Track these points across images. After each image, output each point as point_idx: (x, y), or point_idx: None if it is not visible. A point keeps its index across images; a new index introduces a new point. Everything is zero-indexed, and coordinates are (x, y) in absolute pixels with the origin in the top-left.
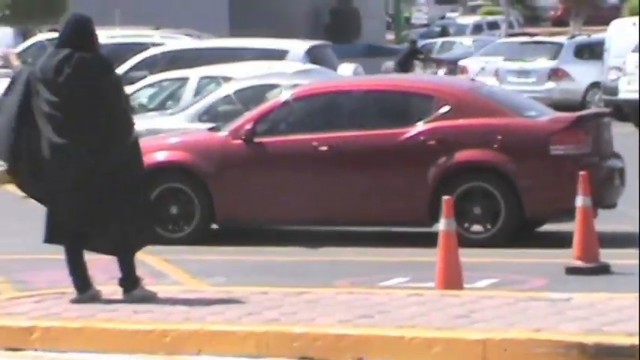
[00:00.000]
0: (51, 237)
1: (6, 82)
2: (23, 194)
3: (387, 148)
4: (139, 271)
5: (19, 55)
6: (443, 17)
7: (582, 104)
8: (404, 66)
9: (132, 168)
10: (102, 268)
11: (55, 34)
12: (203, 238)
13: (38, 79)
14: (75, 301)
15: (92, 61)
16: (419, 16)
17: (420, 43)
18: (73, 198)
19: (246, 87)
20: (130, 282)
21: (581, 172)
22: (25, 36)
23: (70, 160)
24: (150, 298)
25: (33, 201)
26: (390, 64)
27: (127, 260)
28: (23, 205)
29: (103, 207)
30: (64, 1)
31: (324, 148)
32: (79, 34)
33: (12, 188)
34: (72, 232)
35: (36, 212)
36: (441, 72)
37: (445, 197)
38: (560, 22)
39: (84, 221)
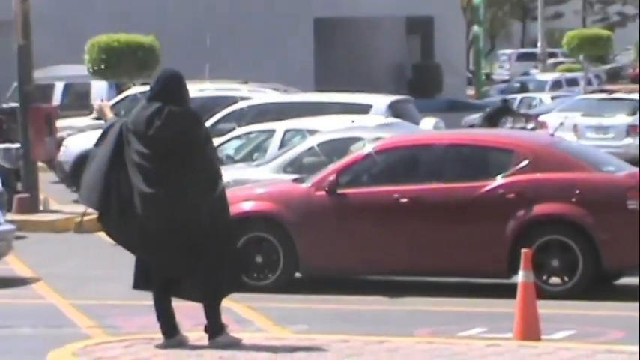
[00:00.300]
0: (139, 283)
1: (99, 132)
2: (112, 241)
3: (466, 201)
4: (225, 318)
5: (113, 107)
6: (525, 73)
7: None
8: (492, 121)
9: (219, 218)
10: (188, 314)
11: (147, 88)
12: (287, 286)
13: (130, 130)
14: (162, 347)
15: (182, 115)
16: (501, 72)
17: (499, 98)
18: (163, 246)
19: (330, 140)
20: (215, 328)
21: None
22: (118, 89)
23: (160, 210)
24: (234, 345)
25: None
26: (470, 118)
27: (213, 307)
28: (115, 252)
29: (192, 255)
30: (156, 56)
31: (405, 200)
32: (169, 89)
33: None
34: (160, 279)
35: (127, 259)
36: (530, 127)
37: (524, 250)
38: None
39: (172, 269)
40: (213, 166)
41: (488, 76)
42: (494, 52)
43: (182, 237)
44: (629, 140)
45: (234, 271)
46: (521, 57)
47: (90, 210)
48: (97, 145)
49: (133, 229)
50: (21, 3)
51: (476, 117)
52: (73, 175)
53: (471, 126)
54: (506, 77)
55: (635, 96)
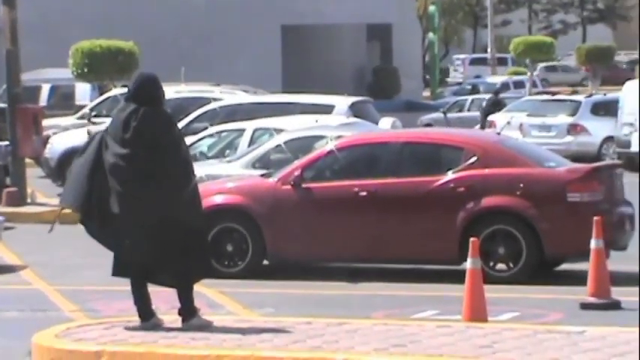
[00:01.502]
0: (118, 271)
1: (82, 130)
2: None
3: (420, 194)
4: (197, 302)
5: (95, 107)
6: (477, 76)
7: (598, 156)
8: (488, 113)
9: (192, 210)
10: (164, 299)
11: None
12: (255, 272)
13: (108, 134)
14: (139, 329)
15: (156, 116)
16: (455, 75)
17: (452, 99)
18: (139, 239)
19: (296, 138)
20: (188, 312)
21: (596, 218)
22: (100, 90)
23: (136, 205)
24: (206, 327)
25: None
26: (426, 118)
27: (185, 292)
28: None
29: (166, 246)
30: (136, 60)
31: (364, 193)
32: (145, 91)
33: None
34: (136, 267)
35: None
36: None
37: (472, 239)
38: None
39: (148, 258)
40: (186, 163)
41: (442, 79)
42: (449, 56)
43: (157, 229)
44: (569, 138)
45: (204, 259)
46: (474, 61)
47: (65, 210)
48: (79, 155)
49: (111, 226)
50: (9, 11)
51: (432, 116)
52: (58, 170)
53: (427, 125)
54: (460, 80)
55: (576, 97)
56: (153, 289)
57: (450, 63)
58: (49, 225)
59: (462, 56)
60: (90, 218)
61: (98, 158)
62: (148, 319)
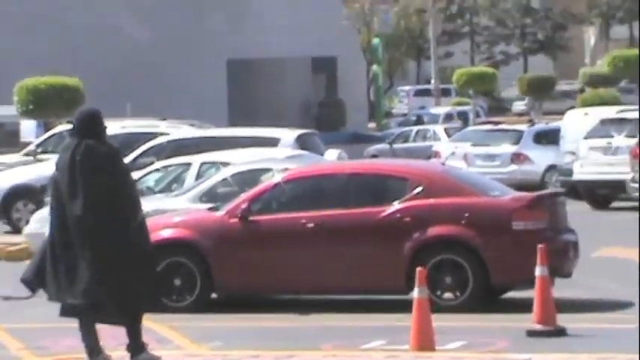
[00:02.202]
0: (65, 312)
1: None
2: None
3: (367, 224)
4: (145, 337)
5: (41, 144)
6: (422, 107)
7: (541, 185)
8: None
9: (140, 244)
10: (111, 335)
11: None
12: (204, 306)
13: (56, 177)
14: None
15: (99, 149)
16: (400, 106)
17: (398, 130)
18: (87, 274)
19: (242, 171)
20: (136, 347)
21: (540, 245)
22: (46, 127)
23: (88, 238)
24: None
25: None
26: (372, 149)
27: (134, 328)
28: None
29: (114, 280)
30: (81, 96)
31: (312, 225)
32: (88, 126)
33: None
34: (84, 306)
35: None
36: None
37: (419, 268)
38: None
39: (96, 294)
40: (133, 196)
41: (388, 111)
42: (393, 88)
43: (107, 263)
44: (513, 167)
45: (153, 293)
46: (418, 93)
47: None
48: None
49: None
50: None
51: (378, 147)
52: (4, 207)
53: (373, 156)
54: (405, 111)
55: (518, 127)
56: (100, 325)
57: (395, 94)
58: None
59: (406, 88)
60: (44, 284)
61: (58, 206)
62: (96, 356)
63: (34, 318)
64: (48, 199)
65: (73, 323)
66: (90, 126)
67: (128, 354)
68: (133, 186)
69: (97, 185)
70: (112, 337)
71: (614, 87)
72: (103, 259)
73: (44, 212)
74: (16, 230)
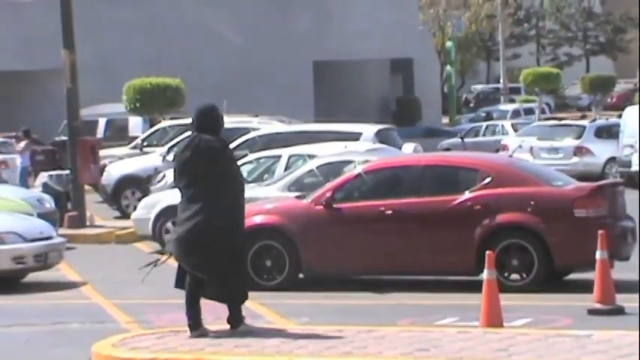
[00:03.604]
0: (179, 283)
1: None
2: (149, 250)
3: (440, 211)
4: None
5: (146, 138)
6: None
7: (601, 176)
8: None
9: (242, 230)
10: (210, 310)
11: (175, 122)
12: (292, 285)
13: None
14: (188, 337)
15: (213, 142)
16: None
17: (469, 126)
18: (201, 253)
19: (327, 163)
20: (236, 320)
21: (600, 231)
22: (151, 123)
23: (198, 225)
24: (251, 332)
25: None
26: (445, 143)
27: (235, 305)
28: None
29: (224, 260)
30: (182, 95)
31: (390, 212)
32: (203, 120)
33: (141, 246)
34: (193, 280)
35: (159, 267)
36: None
37: (488, 252)
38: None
39: (207, 271)
40: (240, 183)
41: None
42: (465, 86)
43: (218, 244)
44: (575, 159)
45: (244, 282)
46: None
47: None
48: None
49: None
50: (69, 54)
51: (450, 141)
52: (114, 195)
53: (446, 149)
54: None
55: (580, 122)
56: (202, 302)
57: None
58: (110, 243)
59: (478, 87)
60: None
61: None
62: (196, 328)
63: (141, 295)
64: (153, 187)
65: (174, 299)
66: (205, 121)
67: (229, 326)
68: (241, 175)
69: (210, 174)
70: (211, 312)
71: None
72: (218, 241)
73: (149, 199)
74: (125, 216)
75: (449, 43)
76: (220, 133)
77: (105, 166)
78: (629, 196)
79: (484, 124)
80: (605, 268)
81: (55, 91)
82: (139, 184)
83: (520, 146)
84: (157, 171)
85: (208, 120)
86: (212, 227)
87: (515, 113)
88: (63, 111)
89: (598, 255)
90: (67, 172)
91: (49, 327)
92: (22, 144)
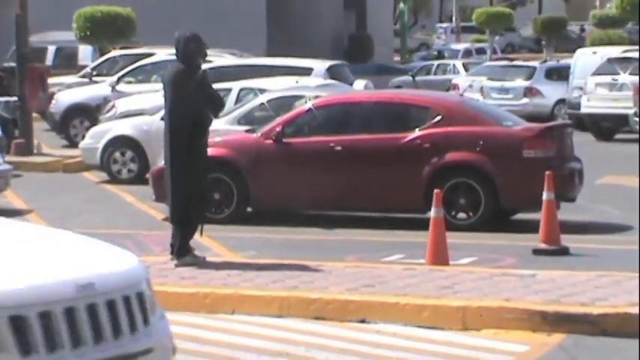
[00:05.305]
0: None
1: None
2: (97, 180)
3: (390, 149)
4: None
5: (96, 68)
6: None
7: (551, 117)
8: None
9: (205, 156)
10: (157, 242)
11: (125, 52)
12: (239, 219)
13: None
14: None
15: (179, 70)
16: (438, 42)
17: (420, 64)
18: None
19: (278, 97)
20: (182, 250)
21: (548, 172)
22: (100, 52)
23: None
24: (199, 263)
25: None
26: (396, 80)
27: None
28: (97, 190)
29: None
30: (133, 25)
31: (339, 148)
32: (176, 49)
33: (88, 175)
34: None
35: (106, 195)
36: None
37: (436, 190)
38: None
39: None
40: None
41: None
42: (417, 25)
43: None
44: (525, 100)
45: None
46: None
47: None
48: None
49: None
50: None
51: (401, 79)
52: (62, 124)
53: (397, 87)
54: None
55: (531, 63)
56: (147, 233)
57: (434, 31)
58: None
59: (444, 25)
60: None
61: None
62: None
63: (88, 224)
64: (102, 116)
65: (120, 230)
66: (176, 50)
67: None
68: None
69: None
70: (157, 244)
71: (621, 28)
72: (188, 167)
73: (98, 129)
74: (73, 145)
75: None
76: (189, 62)
77: (53, 94)
78: (578, 138)
79: (435, 62)
80: (551, 209)
81: (5, 17)
82: (87, 113)
83: (470, 86)
84: (106, 100)
85: (177, 49)
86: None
87: (467, 52)
88: (11, 37)
89: (545, 196)
90: (15, 98)
91: None
92: None
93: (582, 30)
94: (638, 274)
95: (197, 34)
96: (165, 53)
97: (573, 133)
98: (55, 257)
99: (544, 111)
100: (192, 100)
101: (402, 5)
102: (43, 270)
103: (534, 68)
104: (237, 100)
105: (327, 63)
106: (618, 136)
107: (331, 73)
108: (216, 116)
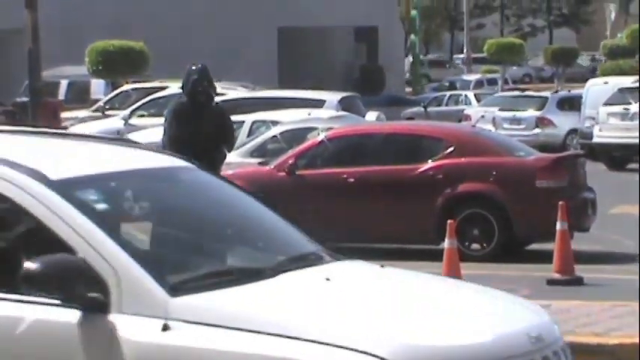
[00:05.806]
0: None
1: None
2: None
3: (403, 180)
4: None
5: (108, 101)
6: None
7: (563, 147)
8: None
9: None
10: None
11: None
12: None
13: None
14: None
15: (181, 104)
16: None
17: (432, 95)
18: None
19: (290, 129)
20: None
21: (561, 202)
22: (113, 86)
23: None
24: None
25: None
26: (408, 112)
27: None
28: None
29: None
30: (146, 59)
31: (352, 179)
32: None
33: None
34: None
35: None
36: None
37: (449, 221)
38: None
39: None
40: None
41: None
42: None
43: None
44: (537, 130)
45: None
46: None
47: None
48: None
49: None
50: (30, 14)
51: (413, 110)
52: None
53: (409, 118)
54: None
55: (543, 93)
56: None
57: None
58: None
59: (461, 56)
60: None
61: None
62: None
63: None
64: None
65: None
66: (183, 83)
67: None
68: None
69: (171, 135)
70: None
71: (632, 58)
72: None
73: None
74: None
75: (413, 12)
76: (190, 95)
77: (67, 128)
78: (590, 167)
79: (447, 93)
80: (564, 239)
81: (17, 52)
82: None
83: (482, 116)
84: (119, 134)
85: (184, 82)
86: None
87: (479, 83)
88: (24, 72)
89: (558, 226)
90: None
91: None
92: None
93: (593, 60)
94: None
95: (203, 67)
96: (177, 87)
97: (585, 163)
98: (502, 309)
99: (556, 141)
100: (191, 133)
101: (412, 37)
102: (500, 322)
103: (546, 98)
104: (250, 132)
105: (339, 95)
106: (630, 165)
107: (343, 104)
108: (230, 150)
